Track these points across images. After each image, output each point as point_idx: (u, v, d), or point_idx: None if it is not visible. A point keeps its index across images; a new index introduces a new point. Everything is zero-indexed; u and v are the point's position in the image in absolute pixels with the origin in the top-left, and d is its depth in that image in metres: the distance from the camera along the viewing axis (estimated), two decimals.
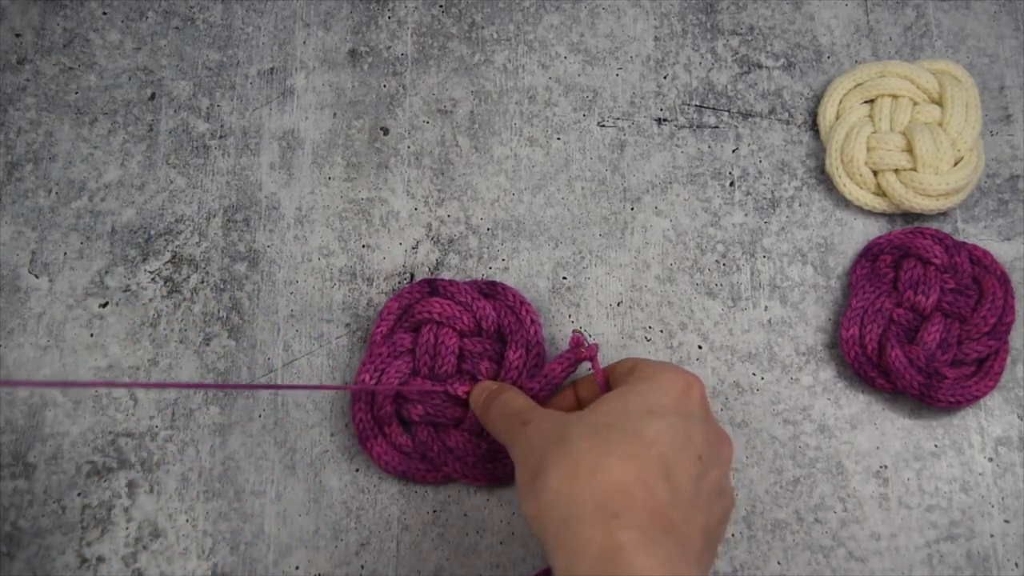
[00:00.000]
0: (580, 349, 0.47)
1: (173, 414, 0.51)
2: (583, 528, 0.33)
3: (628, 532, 0.33)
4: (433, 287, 0.51)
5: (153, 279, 0.54)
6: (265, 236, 0.54)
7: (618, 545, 0.32)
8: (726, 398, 0.51)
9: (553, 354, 0.51)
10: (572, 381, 0.47)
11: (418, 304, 0.51)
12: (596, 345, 0.47)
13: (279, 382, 0.51)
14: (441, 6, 0.59)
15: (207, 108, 0.57)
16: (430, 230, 0.54)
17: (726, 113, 0.56)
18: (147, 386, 0.51)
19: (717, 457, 0.38)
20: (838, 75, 0.56)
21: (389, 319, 0.51)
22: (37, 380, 0.48)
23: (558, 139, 0.56)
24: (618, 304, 0.53)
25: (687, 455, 0.36)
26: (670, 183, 0.55)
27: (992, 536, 0.48)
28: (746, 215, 0.54)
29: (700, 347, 0.52)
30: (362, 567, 0.48)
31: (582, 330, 0.52)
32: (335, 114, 0.57)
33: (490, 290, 0.51)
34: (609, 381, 0.44)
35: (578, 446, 0.35)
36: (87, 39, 0.59)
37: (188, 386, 0.51)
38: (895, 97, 0.54)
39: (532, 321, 0.50)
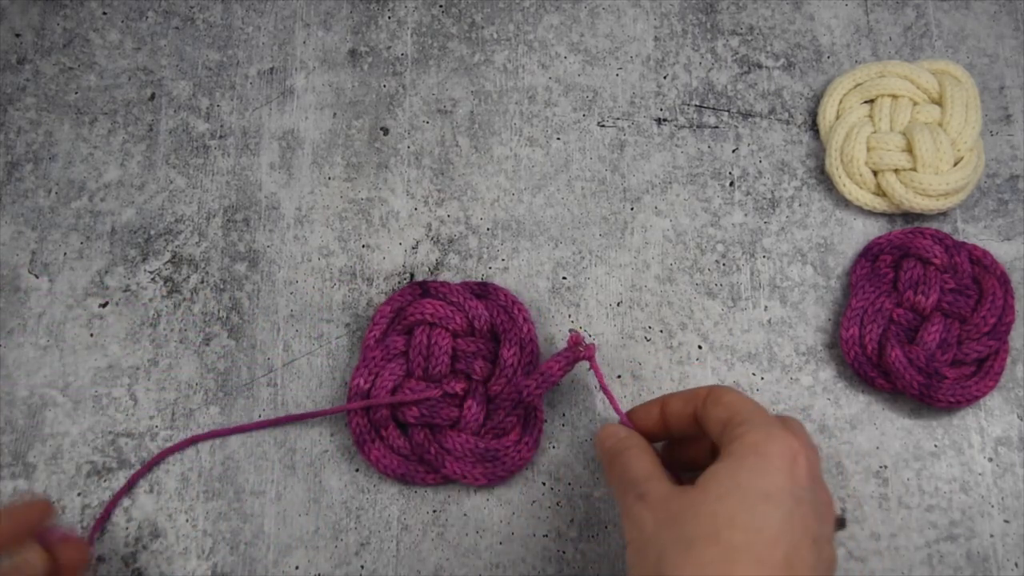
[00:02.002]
0: (578, 348, 0.47)
1: (173, 414, 0.51)
2: None
3: None
4: (424, 289, 0.51)
5: (153, 279, 0.54)
6: (265, 236, 0.54)
7: None
8: None
9: (550, 353, 0.51)
10: (662, 396, 0.44)
11: (410, 306, 0.51)
12: (594, 345, 0.47)
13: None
14: (441, 6, 0.59)
15: (207, 108, 0.57)
16: (430, 230, 0.54)
17: (726, 113, 0.56)
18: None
19: (827, 529, 0.38)
20: (838, 75, 0.56)
21: (382, 323, 0.51)
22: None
23: (558, 139, 0.56)
24: (618, 304, 0.53)
25: (805, 544, 0.36)
26: (670, 183, 0.55)
27: (992, 536, 0.48)
28: (746, 215, 0.54)
29: (700, 347, 0.52)
30: (362, 567, 0.48)
31: (580, 329, 0.52)
32: (335, 114, 0.57)
33: (482, 291, 0.51)
34: (697, 413, 0.41)
35: (702, 553, 0.35)
36: (87, 39, 0.59)
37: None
38: (895, 97, 0.54)
39: (525, 319, 0.50)
